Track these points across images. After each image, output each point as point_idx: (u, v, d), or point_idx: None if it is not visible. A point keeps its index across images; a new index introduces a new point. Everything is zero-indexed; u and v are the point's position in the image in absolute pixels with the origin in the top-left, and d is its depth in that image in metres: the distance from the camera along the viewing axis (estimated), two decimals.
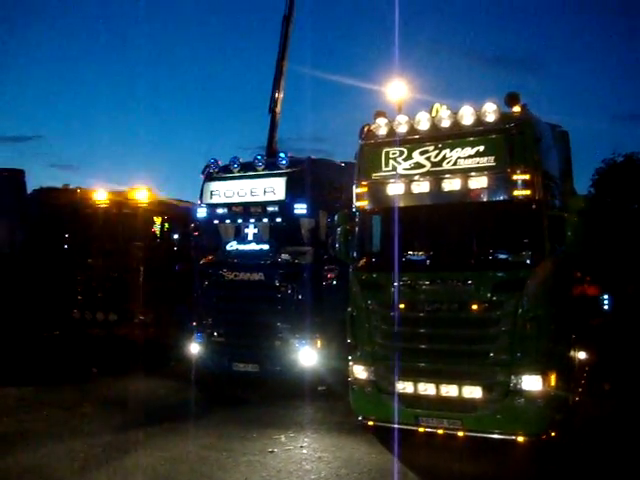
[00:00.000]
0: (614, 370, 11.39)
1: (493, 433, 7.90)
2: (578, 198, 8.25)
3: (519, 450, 7.81)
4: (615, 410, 9.96)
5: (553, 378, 7.89)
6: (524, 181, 7.97)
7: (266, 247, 11.89)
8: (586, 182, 30.59)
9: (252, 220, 11.92)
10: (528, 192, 7.97)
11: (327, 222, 11.80)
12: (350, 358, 8.96)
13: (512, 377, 7.79)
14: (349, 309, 9.05)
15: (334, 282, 11.89)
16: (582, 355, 9.84)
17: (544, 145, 8.57)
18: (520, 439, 7.77)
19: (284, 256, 11.85)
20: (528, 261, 8.04)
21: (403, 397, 8.30)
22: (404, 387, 8.32)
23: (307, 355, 11.29)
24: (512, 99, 8.35)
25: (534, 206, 7.99)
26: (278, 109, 16.57)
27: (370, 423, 8.68)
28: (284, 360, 11.35)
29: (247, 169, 11.98)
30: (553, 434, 7.87)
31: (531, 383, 7.73)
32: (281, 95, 16.08)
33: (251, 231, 12.00)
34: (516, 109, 8.30)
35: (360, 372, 8.72)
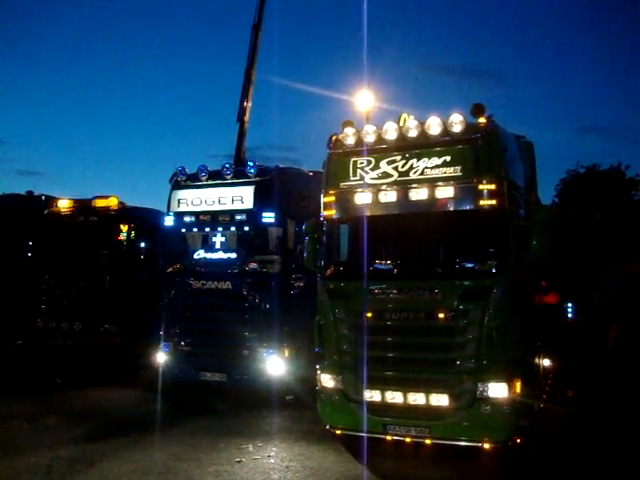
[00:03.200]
0: (577, 377, 11.56)
1: (460, 440, 7.96)
2: (543, 208, 8.40)
3: (486, 457, 7.90)
4: (579, 416, 10.14)
5: (519, 385, 8.01)
6: (490, 191, 8.09)
7: (234, 256, 11.84)
8: (551, 192, 31.20)
9: (220, 229, 11.86)
10: (494, 202, 8.08)
11: (295, 231, 11.80)
12: (317, 367, 8.96)
13: (479, 385, 7.87)
14: (317, 318, 9.05)
15: (302, 291, 11.86)
16: (546, 362, 9.99)
17: (509, 155, 8.70)
18: (487, 446, 7.86)
19: (252, 265, 11.82)
20: (494, 270, 8.13)
21: (371, 405, 8.32)
22: (372, 395, 8.34)
23: (275, 364, 11.26)
24: (478, 110, 8.46)
25: (500, 216, 8.09)
26: (246, 118, 16.58)
27: (338, 432, 8.67)
28: (252, 369, 11.30)
29: (215, 177, 11.94)
30: (519, 440, 7.98)
31: (497, 390, 7.82)
32: (249, 104, 16.10)
33: (219, 240, 11.94)
34: (482, 120, 8.40)
35: (328, 381, 8.72)
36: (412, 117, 8.84)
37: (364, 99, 22.93)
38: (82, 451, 8.63)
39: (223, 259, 11.87)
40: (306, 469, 7.90)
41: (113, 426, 9.90)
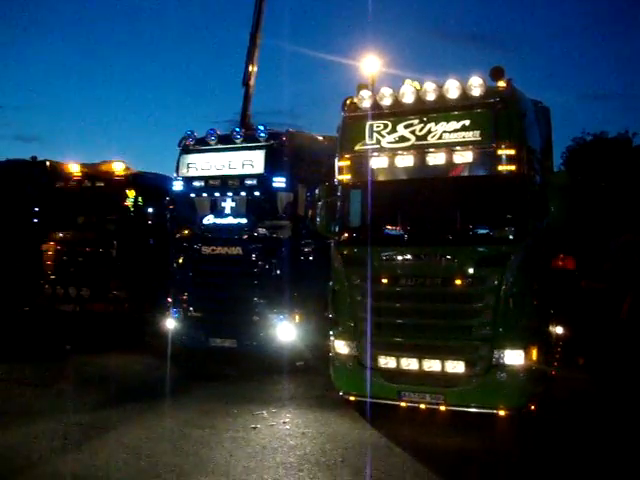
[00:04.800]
0: (588, 345, 11.54)
1: (475, 407, 7.94)
2: (561, 174, 8.29)
3: (500, 424, 7.88)
4: (590, 384, 10.15)
5: (534, 352, 7.96)
6: (509, 156, 7.95)
7: (244, 221, 11.70)
8: (557, 160, 30.96)
9: (229, 193, 11.71)
10: (513, 167, 7.96)
11: (306, 196, 11.64)
12: (331, 333, 8.92)
13: (494, 352, 7.83)
14: (331, 284, 8.98)
15: (313, 257, 11.80)
16: (559, 330, 9.95)
17: (528, 120, 8.54)
18: (501, 413, 7.84)
19: (262, 230, 11.70)
20: (511, 236, 8.04)
21: (385, 372, 8.29)
22: (387, 362, 8.31)
23: (285, 330, 11.22)
24: (497, 73, 8.27)
25: (518, 181, 7.98)
26: (252, 82, 16.33)
27: (352, 398, 8.66)
28: (262, 335, 11.27)
29: (225, 141, 11.74)
30: (533, 407, 7.97)
31: (513, 357, 7.79)
32: (255, 68, 15.84)
33: (228, 205, 11.79)
34: (501, 84, 8.23)
35: (342, 347, 8.68)
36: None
37: (369, 64, 22.56)
38: (96, 417, 8.61)
39: (233, 224, 11.73)
40: (322, 435, 7.86)
41: (125, 392, 9.87)
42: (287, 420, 8.59)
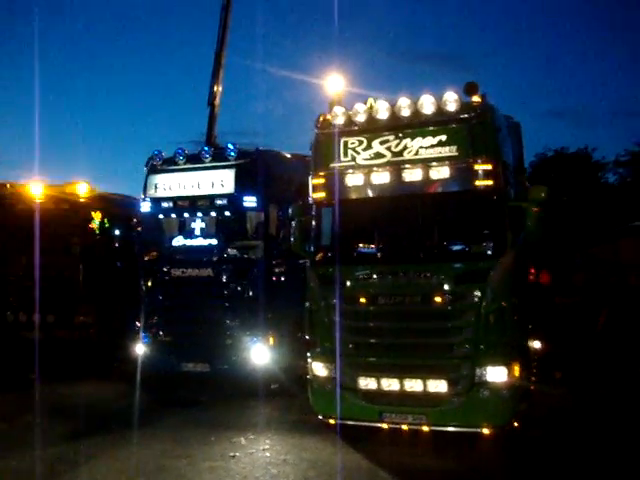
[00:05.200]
0: (564, 359, 11.55)
1: (458, 427, 7.81)
2: (538, 188, 8.21)
3: (484, 443, 7.75)
4: (568, 398, 10.13)
5: (516, 369, 7.88)
6: (486, 171, 7.91)
7: (214, 242, 11.44)
8: None
9: (199, 214, 11.46)
10: (490, 182, 7.91)
11: (278, 215, 11.51)
12: (309, 355, 8.70)
13: (477, 369, 7.73)
14: (307, 304, 8.78)
15: (286, 277, 11.59)
16: (536, 344, 9.91)
17: (502, 135, 8.54)
18: (485, 431, 7.71)
19: (233, 251, 11.49)
20: (491, 252, 7.98)
21: (366, 393, 8.11)
22: (367, 383, 8.13)
23: (259, 353, 10.96)
24: (471, 89, 8.25)
25: (496, 196, 7.94)
26: (217, 102, 16.19)
27: (331, 421, 8.42)
28: (236, 358, 10.99)
29: (193, 161, 11.51)
30: (516, 425, 7.86)
31: (496, 374, 7.69)
32: (220, 88, 15.72)
33: (198, 225, 11.53)
34: (476, 99, 8.20)
35: (320, 369, 8.46)
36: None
37: (334, 83, 22.64)
38: (65, 451, 8.17)
39: (203, 245, 11.47)
40: (304, 462, 7.60)
41: (95, 422, 9.42)
42: (267, 447, 8.31)
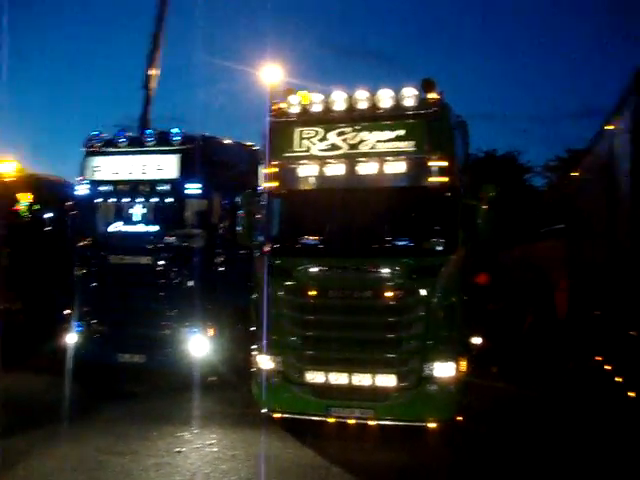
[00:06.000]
0: (500, 354, 11.87)
1: (406, 420, 7.84)
2: (489, 187, 8.33)
3: (431, 436, 7.80)
4: (505, 391, 10.49)
5: (463, 364, 8.00)
6: (442, 168, 7.95)
7: (154, 229, 11.02)
8: None
9: (140, 199, 10.99)
10: (445, 179, 7.96)
11: (222, 204, 11.23)
12: (254, 347, 8.50)
13: (425, 364, 7.77)
14: (254, 296, 8.60)
15: (228, 268, 11.32)
16: (477, 340, 10.10)
17: (456, 133, 8.61)
18: (431, 425, 7.77)
19: (174, 239, 11.05)
20: (442, 248, 8.01)
21: (313, 387, 8.02)
22: (314, 377, 8.03)
23: (198, 344, 10.66)
24: (429, 85, 8.25)
25: (450, 193, 7.99)
26: (152, 85, 15.73)
27: (277, 415, 8.29)
28: (174, 350, 10.64)
29: (135, 144, 11.05)
30: (461, 418, 7.96)
31: (443, 369, 7.76)
32: (157, 72, 15.28)
33: (138, 211, 11.07)
34: (433, 96, 8.22)
35: (266, 362, 8.29)
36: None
37: (270, 73, 22.47)
38: None
39: (142, 232, 11.03)
40: (254, 457, 7.39)
41: (27, 418, 8.78)
42: (213, 442, 8.03)
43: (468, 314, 8.55)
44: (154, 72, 15.63)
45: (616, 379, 9.81)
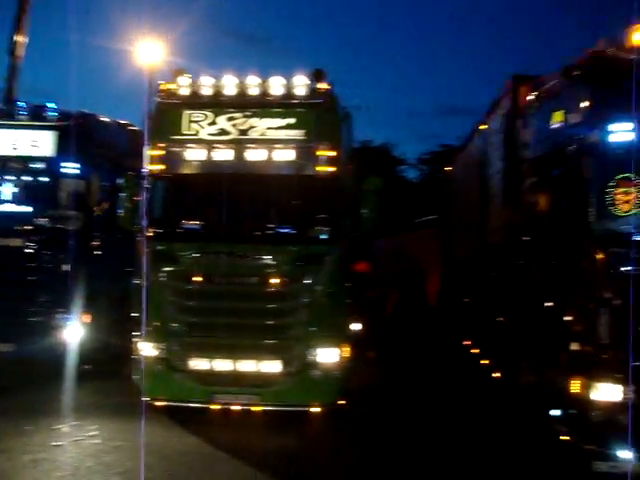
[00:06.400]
0: (376, 340, 12.32)
1: (291, 405, 7.95)
2: (374, 178, 8.59)
3: (314, 420, 8.00)
4: (382, 376, 10.89)
5: (345, 350, 8.22)
6: (329, 157, 8.09)
7: (26, 209, 10.35)
8: None
9: (10, 177, 10.30)
10: (332, 168, 8.11)
11: (101, 185, 10.78)
12: (136, 335, 8.25)
13: (309, 350, 7.92)
14: (136, 281, 8.34)
15: (105, 252, 10.89)
16: (357, 326, 10.42)
17: (343, 124, 8.79)
18: (315, 409, 7.95)
19: (47, 220, 10.43)
20: (327, 237, 8.17)
21: (198, 374, 7.94)
22: (198, 364, 7.96)
23: (72, 331, 10.18)
24: (319, 75, 8.37)
25: (336, 183, 8.15)
26: (20, 53, 14.78)
27: (160, 403, 8.11)
28: (45, 338, 10.08)
29: (6, 117, 10.31)
30: (344, 402, 8.19)
31: (327, 355, 7.94)
32: (24, 39, 14.36)
33: (8, 190, 10.36)
34: (323, 86, 8.34)
35: (149, 349, 8.09)
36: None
37: (148, 52, 21.75)
38: None
39: (12, 212, 10.33)
40: (138, 447, 7.03)
41: None
42: (94, 433, 7.68)
43: (350, 301, 8.80)
44: (21, 39, 14.63)
45: (482, 362, 10.54)
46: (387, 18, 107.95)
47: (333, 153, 8.08)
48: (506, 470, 6.88)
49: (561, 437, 6.63)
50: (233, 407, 7.97)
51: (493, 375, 9.78)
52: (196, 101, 8.21)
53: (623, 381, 6.12)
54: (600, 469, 6.17)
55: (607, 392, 6.20)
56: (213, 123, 8.13)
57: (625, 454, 6.09)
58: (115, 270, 10.19)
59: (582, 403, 6.35)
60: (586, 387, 6.31)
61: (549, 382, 7.07)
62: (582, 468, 6.23)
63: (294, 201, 8.59)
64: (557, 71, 7.32)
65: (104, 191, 10.91)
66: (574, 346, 6.60)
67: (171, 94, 8.32)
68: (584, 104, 6.71)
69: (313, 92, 8.20)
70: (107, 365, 10.09)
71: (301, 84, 8.13)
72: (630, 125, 6.31)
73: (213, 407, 7.99)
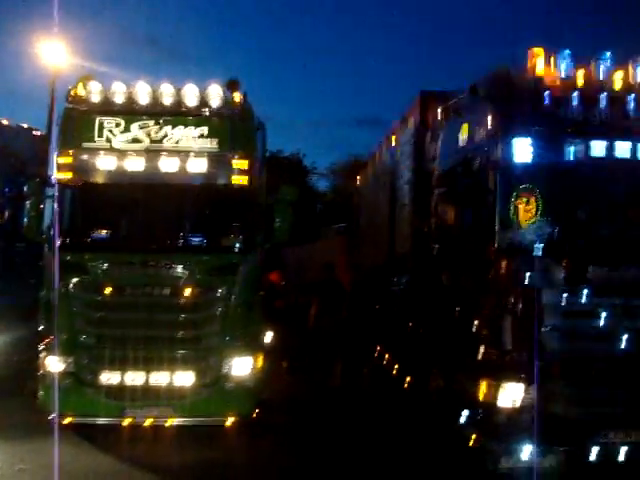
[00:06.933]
0: (289, 349, 12.37)
1: (205, 418, 7.86)
2: (289, 189, 8.69)
3: (229, 432, 7.92)
4: (295, 385, 11.00)
5: (260, 360, 8.25)
6: (243, 168, 8.12)
7: None
8: None
9: None
10: (246, 179, 8.13)
11: (2, 192, 10.29)
12: (42, 349, 7.93)
13: (224, 361, 7.88)
14: (43, 293, 8.03)
15: (7, 262, 10.38)
16: (270, 337, 10.45)
17: (257, 134, 8.83)
18: (230, 421, 7.88)
19: None
20: (241, 247, 8.17)
21: (108, 389, 7.72)
22: (109, 378, 7.74)
23: None
24: (234, 85, 8.42)
25: (250, 193, 8.19)
26: None
27: (67, 420, 7.77)
28: None
29: None
30: (258, 413, 8.17)
31: (241, 366, 7.92)
32: None
33: None
34: (238, 96, 8.36)
35: (56, 364, 7.77)
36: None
37: (51, 54, 21.08)
38: None
39: None
40: (44, 469, 6.71)
41: None
42: None
43: (263, 311, 8.83)
44: None
45: (394, 367, 10.80)
46: (299, 28, 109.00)
47: (247, 163, 8.11)
48: (416, 474, 7.10)
49: (469, 438, 6.90)
50: (146, 422, 7.78)
51: (404, 381, 10.04)
52: (108, 108, 8.01)
53: (526, 382, 6.48)
54: (506, 467, 6.49)
55: (511, 393, 6.54)
56: (126, 131, 7.97)
57: (529, 451, 6.44)
58: (18, 282, 9.75)
59: (488, 405, 6.66)
60: (492, 389, 6.63)
61: (458, 386, 7.36)
62: (489, 468, 6.52)
63: (207, 211, 8.55)
64: (463, 88, 7.69)
65: (6, 198, 10.42)
66: (481, 351, 6.91)
67: (81, 100, 8.06)
68: (488, 120, 7.09)
69: (227, 102, 8.19)
70: (9, 382, 9.57)
71: (216, 94, 8.10)
72: (529, 141, 6.72)
73: (125, 422, 7.76)
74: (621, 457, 6.61)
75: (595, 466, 6.56)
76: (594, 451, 6.55)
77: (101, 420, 7.77)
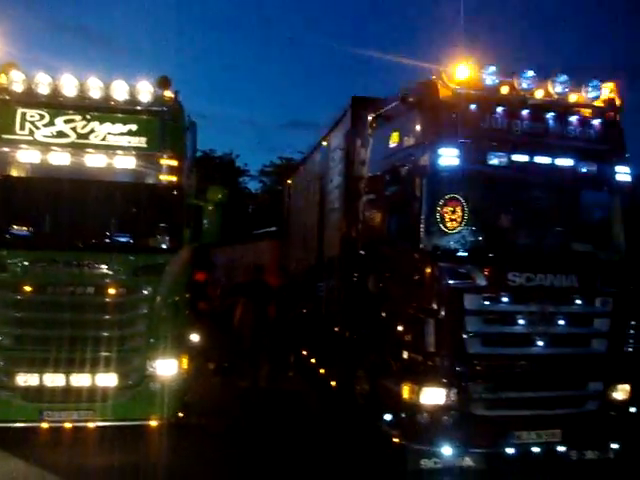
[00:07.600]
0: (217, 351, 12.26)
1: (128, 420, 7.70)
2: (218, 190, 8.62)
3: (152, 434, 7.78)
4: (223, 387, 10.98)
5: (185, 361, 8.17)
6: (172, 167, 8.01)
7: None
8: None
9: None
10: (174, 178, 8.03)
11: None
12: None
13: (148, 362, 7.77)
14: None
15: None
16: (196, 338, 10.33)
17: (187, 133, 8.73)
18: (153, 423, 7.75)
19: None
20: (168, 247, 8.06)
21: (26, 391, 7.48)
22: (27, 380, 7.49)
23: None
24: (164, 83, 8.24)
25: (178, 193, 8.07)
26: None
27: None
28: None
29: None
30: (182, 415, 8.08)
31: (166, 367, 7.82)
32: None
33: None
34: (168, 93, 8.23)
35: None
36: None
37: None
38: None
39: None
40: None
41: None
42: None
43: (189, 312, 8.73)
44: None
45: (320, 370, 10.87)
46: (235, 28, 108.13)
47: (176, 162, 8.01)
48: (341, 474, 7.17)
49: (393, 440, 7.04)
50: (66, 425, 7.56)
51: (330, 383, 10.13)
52: (32, 99, 7.73)
53: (447, 385, 6.67)
54: (427, 466, 6.66)
55: (433, 396, 6.70)
56: (50, 124, 7.72)
57: (449, 451, 6.63)
58: None
59: (411, 407, 6.81)
60: (415, 392, 6.77)
61: (382, 389, 7.48)
62: (411, 467, 6.67)
63: (134, 209, 8.37)
64: (394, 95, 7.82)
65: None
66: (405, 354, 7.05)
67: (2, 89, 7.76)
68: (417, 128, 7.26)
69: (158, 99, 8.05)
70: None
71: (145, 90, 7.95)
72: (456, 150, 6.91)
73: (44, 426, 7.51)
74: (534, 457, 6.90)
75: (511, 466, 6.80)
76: (509, 451, 6.81)
77: (18, 424, 7.49)
